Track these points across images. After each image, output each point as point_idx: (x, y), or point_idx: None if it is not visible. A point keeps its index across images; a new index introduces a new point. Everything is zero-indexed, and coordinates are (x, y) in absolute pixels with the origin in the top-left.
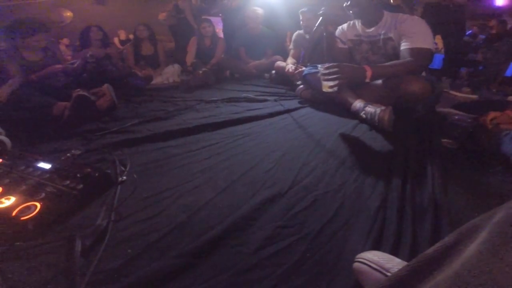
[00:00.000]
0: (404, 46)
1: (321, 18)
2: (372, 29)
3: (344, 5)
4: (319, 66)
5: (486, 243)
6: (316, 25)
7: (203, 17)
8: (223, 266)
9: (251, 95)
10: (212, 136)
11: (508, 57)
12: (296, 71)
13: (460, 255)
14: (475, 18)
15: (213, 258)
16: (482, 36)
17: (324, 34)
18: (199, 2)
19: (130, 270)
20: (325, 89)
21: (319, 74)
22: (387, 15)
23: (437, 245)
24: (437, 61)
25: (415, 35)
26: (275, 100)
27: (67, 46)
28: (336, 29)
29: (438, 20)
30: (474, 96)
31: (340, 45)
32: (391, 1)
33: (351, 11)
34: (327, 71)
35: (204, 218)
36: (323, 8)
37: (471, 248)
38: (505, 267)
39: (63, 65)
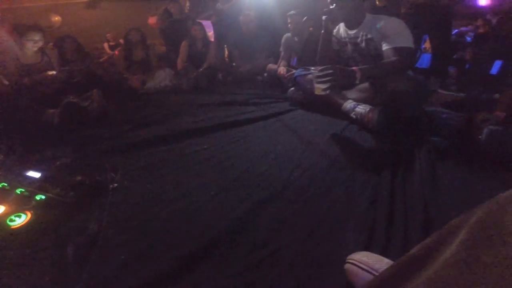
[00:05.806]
0: (386, 46)
1: (324, 17)
2: (355, 30)
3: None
4: (312, 68)
5: (464, 243)
6: (323, 23)
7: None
8: (217, 270)
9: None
10: (204, 140)
11: (492, 55)
12: (287, 74)
13: (440, 256)
14: (460, 18)
15: (206, 261)
16: (468, 38)
17: (322, 31)
18: (190, 6)
19: (124, 275)
20: (317, 92)
21: (311, 76)
22: (368, 17)
23: (419, 245)
24: (425, 61)
25: (395, 35)
26: (263, 104)
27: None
28: (334, 27)
29: (425, 20)
30: (462, 95)
31: (335, 45)
32: (377, 2)
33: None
34: (321, 74)
35: (198, 222)
36: (325, 9)
37: (450, 249)
38: (481, 267)
39: (57, 71)
